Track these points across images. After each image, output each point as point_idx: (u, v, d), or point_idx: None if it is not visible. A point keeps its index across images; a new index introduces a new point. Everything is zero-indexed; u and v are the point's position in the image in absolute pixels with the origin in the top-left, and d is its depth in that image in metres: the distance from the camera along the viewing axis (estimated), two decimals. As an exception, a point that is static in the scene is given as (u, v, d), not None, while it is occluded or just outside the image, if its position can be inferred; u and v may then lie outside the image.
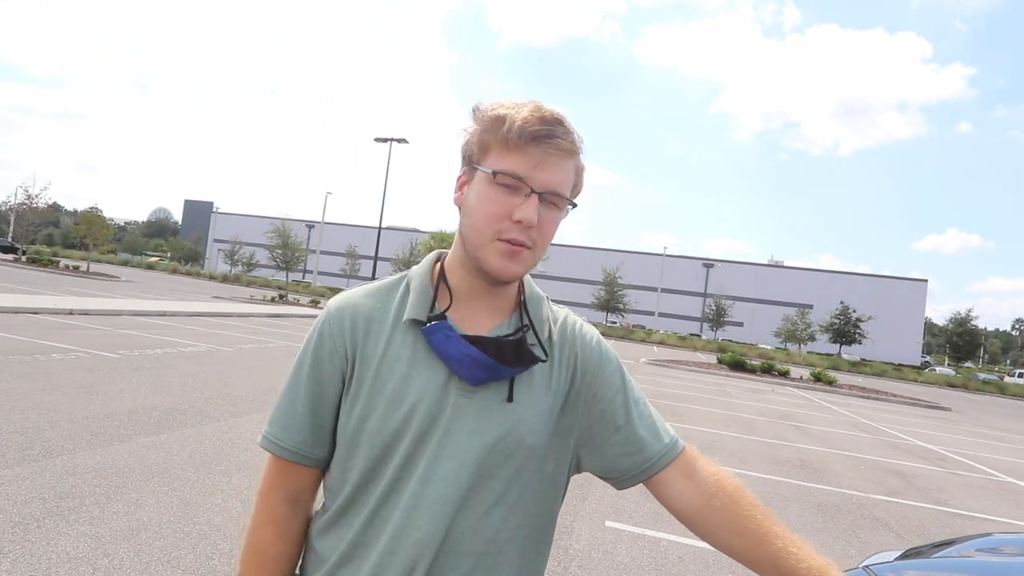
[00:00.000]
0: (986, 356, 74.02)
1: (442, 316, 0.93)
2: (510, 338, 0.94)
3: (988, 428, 15.84)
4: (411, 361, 0.92)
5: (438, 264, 1.01)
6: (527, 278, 1.02)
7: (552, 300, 1.08)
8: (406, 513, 0.89)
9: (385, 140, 32.89)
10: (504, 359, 0.90)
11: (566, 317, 1.04)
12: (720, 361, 24.18)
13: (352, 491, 0.93)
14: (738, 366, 23.14)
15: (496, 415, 0.91)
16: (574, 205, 0.96)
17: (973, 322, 51.77)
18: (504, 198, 0.88)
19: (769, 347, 46.99)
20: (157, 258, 72.74)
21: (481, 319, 0.96)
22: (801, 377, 23.36)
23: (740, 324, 63.16)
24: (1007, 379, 44.02)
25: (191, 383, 7.38)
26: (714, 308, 50.58)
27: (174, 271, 53.31)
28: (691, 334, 54.96)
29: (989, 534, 1.77)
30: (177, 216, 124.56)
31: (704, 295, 66.23)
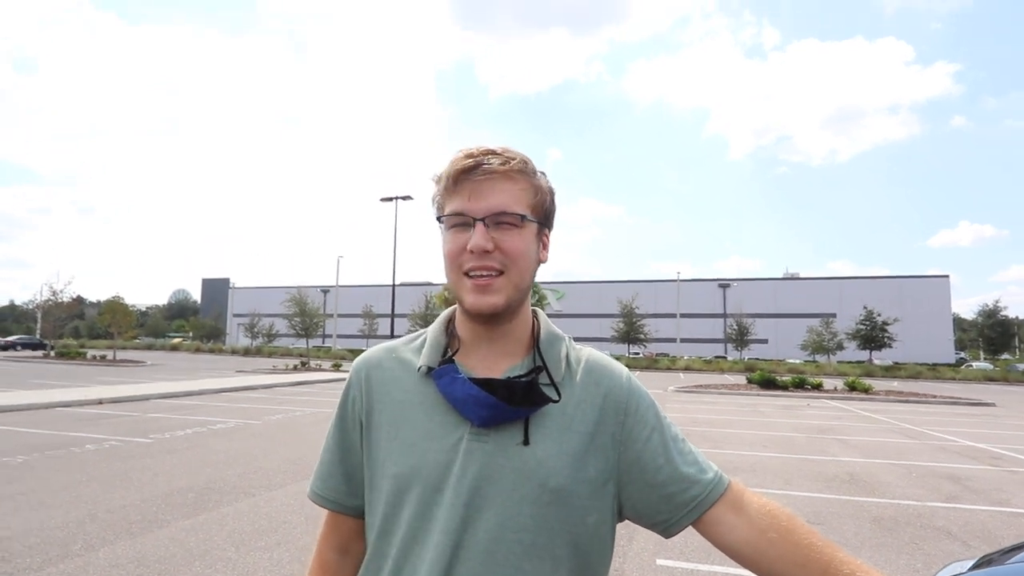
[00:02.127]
0: (1022, 346, 71.80)
1: (450, 361, 0.95)
2: (521, 378, 0.92)
3: (1037, 420, 15.26)
4: (426, 410, 0.93)
5: (451, 316, 1.04)
6: (543, 318, 1.02)
7: (574, 338, 1.06)
8: (429, 566, 0.87)
9: (390, 199, 33.54)
10: (513, 400, 0.89)
11: (591, 355, 1.02)
12: (750, 381, 23.72)
13: (376, 540, 0.94)
14: (769, 384, 22.67)
15: (512, 459, 0.89)
16: (538, 222, 0.95)
17: (1003, 312, 50.54)
18: (458, 237, 0.91)
19: (798, 361, 46.05)
20: (180, 339, 73.81)
21: (494, 362, 0.96)
22: (835, 388, 22.84)
23: (765, 341, 62.16)
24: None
25: (223, 460, 7.36)
26: (736, 327, 49.84)
27: (197, 350, 53.98)
28: (716, 356, 54.18)
29: (1063, 532, 1.69)
30: (196, 295, 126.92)
31: (724, 316, 65.47)
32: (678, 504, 0.93)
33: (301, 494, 5.82)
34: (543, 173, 0.97)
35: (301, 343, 46.67)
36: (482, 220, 0.90)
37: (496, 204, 0.91)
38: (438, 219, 0.96)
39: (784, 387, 22.38)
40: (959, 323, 69.86)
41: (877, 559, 4.48)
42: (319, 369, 29.93)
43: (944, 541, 4.88)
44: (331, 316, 58.80)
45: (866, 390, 21.52)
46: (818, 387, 22.45)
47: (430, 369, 0.95)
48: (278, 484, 6.24)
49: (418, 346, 1.01)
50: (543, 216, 0.97)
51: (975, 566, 1.62)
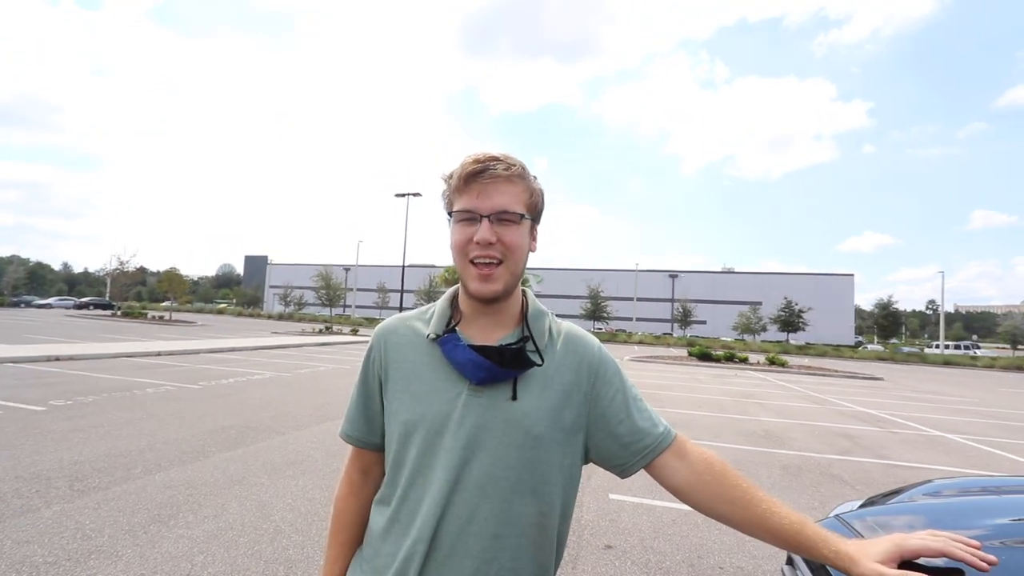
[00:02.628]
0: (907, 333, 73.32)
1: (453, 330, 0.96)
2: (512, 346, 0.93)
3: (914, 392, 15.63)
4: (433, 369, 0.95)
5: (455, 293, 1.05)
6: (531, 297, 1.03)
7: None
8: (432, 496, 0.89)
9: (403, 195, 33.16)
10: (504, 363, 0.90)
11: (570, 328, 1.03)
12: (690, 354, 23.95)
13: (390, 474, 0.96)
14: (705, 357, 22.94)
15: (502, 411, 0.90)
16: (532, 218, 0.95)
17: (894, 305, 51.44)
18: (465, 230, 0.92)
19: (729, 339, 46.51)
20: (225, 305, 72.80)
21: (489, 332, 0.97)
22: (759, 362, 23.13)
23: (704, 322, 62.75)
24: (927, 351, 43.57)
25: (260, 405, 7.33)
26: (681, 311, 50.33)
27: (239, 314, 53.25)
28: (664, 333, 54.61)
29: (930, 480, 1.74)
30: (240, 269, 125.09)
31: (672, 300, 65.95)
32: (633, 451, 0.95)
33: (324, 433, 5.82)
34: (535, 177, 0.97)
35: (326, 311, 46.31)
36: (487, 217, 0.91)
37: (500, 204, 0.91)
38: (449, 213, 0.96)
39: (718, 360, 22.66)
40: (859, 313, 70.90)
41: (784, 498, 4.59)
42: (340, 333, 29.78)
43: (837, 485, 5.01)
44: (351, 290, 58.31)
45: (783, 364, 21.83)
46: (744, 360, 22.75)
47: (437, 336, 0.96)
48: (304, 425, 6.23)
49: (427, 318, 1.02)
50: (535, 214, 0.97)
51: (862, 505, 1.67)
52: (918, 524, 1.32)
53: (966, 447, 7.28)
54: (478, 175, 0.91)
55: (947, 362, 33.03)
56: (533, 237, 1.00)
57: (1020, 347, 42.20)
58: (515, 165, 0.93)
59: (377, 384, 1.00)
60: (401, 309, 30.86)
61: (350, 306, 65.14)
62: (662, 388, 12.35)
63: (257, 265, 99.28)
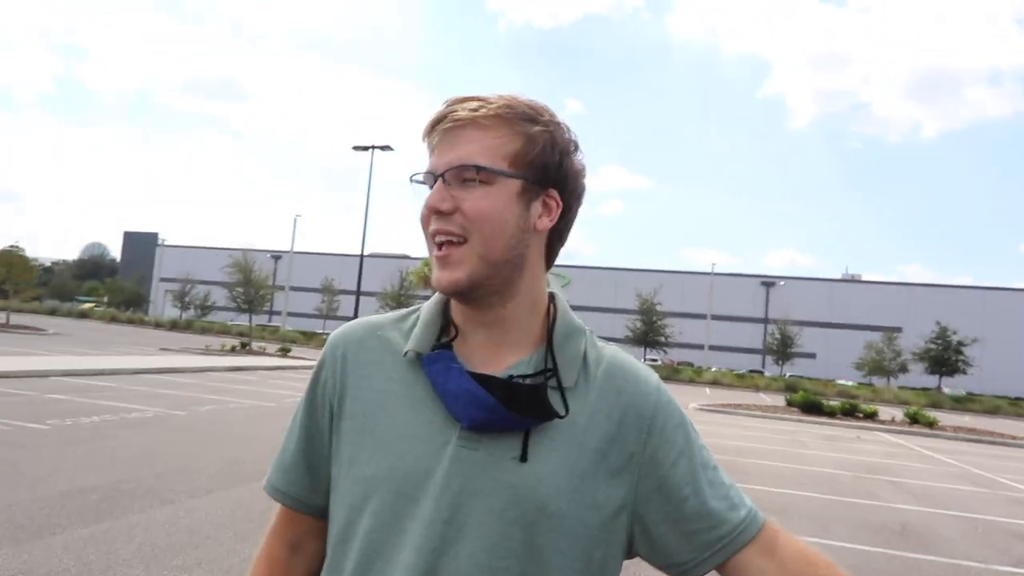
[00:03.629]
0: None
1: (447, 346, 0.97)
2: (526, 381, 0.93)
3: None
4: (411, 402, 0.95)
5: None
6: (562, 305, 1.03)
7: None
8: None
9: (365, 148, 33.43)
10: (513, 405, 0.90)
11: (615, 357, 1.02)
12: (790, 403, 23.93)
13: (333, 555, 0.97)
14: (813, 408, 22.86)
15: (507, 474, 0.90)
16: (527, 177, 0.95)
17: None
18: (424, 197, 0.96)
19: (850, 383, 46.45)
20: (92, 304, 73.64)
21: (493, 355, 0.98)
22: (893, 419, 23.04)
23: (812, 356, 62.55)
24: None
25: (138, 457, 7.38)
26: (778, 337, 50.17)
27: (112, 319, 53.92)
28: (751, 371, 54.47)
29: None
30: (115, 252, 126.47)
31: (765, 321, 65.84)
32: (702, 544, 0.95)
33: (231, 503, 5.85)
34: (551, 122, 0.97)
35: (243, 319, 46.54)
36: (441, 175, 0.93)
37: (455, 156, 0.93)
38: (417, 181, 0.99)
39: (831, 413, 22.56)
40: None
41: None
42: (262, 353, 30.01)
43: (1009, 613, 4.97)
44: (282, 288, 58.75)
45: (930, 424, 21.74)
46: (872, 416, 22.64)
47: (419, 355, 0.97)
48: (203, 490, 6.27)
49: (408, 326, 1.03)
50: (533, 170, 0.95)
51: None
52: None
53: None
54: (437, 125, 0.95)
55: None
56: (544, 207, 0.98)
57: None
58: (493, 103, 0.95)
59: (327, 418, 1.02)
60: (355, 318, 30.96)
61: (279, 312, 65.68)
62: (745, 453, 12.31)
63: (142, 247, 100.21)
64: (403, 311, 1.08)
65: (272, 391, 15.70)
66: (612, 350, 1.04)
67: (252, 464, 7.50)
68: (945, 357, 44.82)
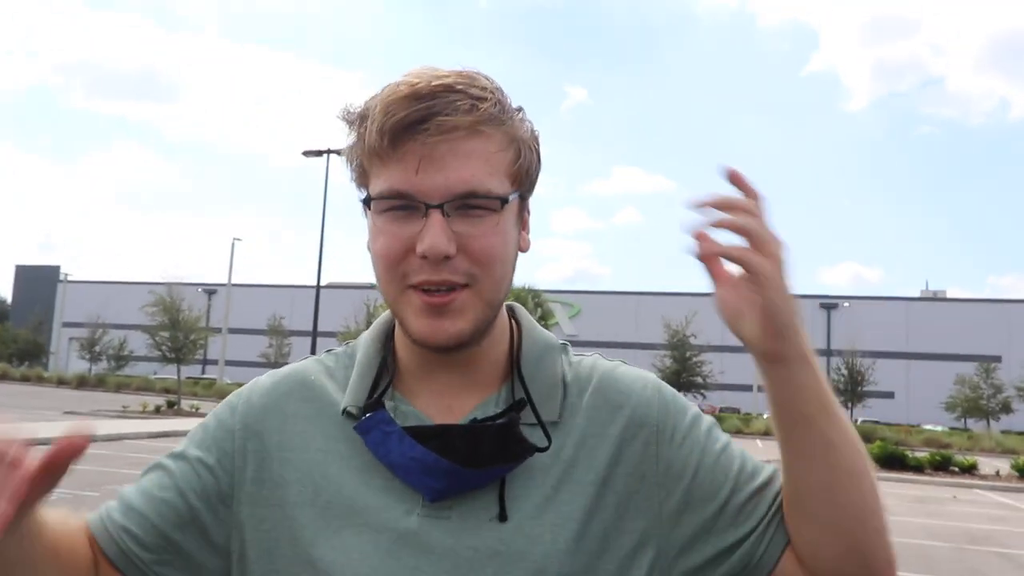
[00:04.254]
0: None
1: (378, 404, 0.97)
2: (494, 423, 0.95)
3: None
4: (358, 469, 0.96)
5: (389, 328, 1.08)
6: (525, 322, 1.06)
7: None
8: None
9: (319, 153, 33.57)
10: (480, 459, 0.91)
11: (602, 369, 1.05)
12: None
13: None
14: (895, 462, 22.99)
15: (487, 541, 0.91)
16: (520, 194, 0.97)
17: None
18: (398, 229, 0.93)
19: (940, 428, 46.43)
20: (-24, 358, 73.30)
21: (453, 398, 1.00)
22: (998, 472, 23.13)
23: (890, 395, 62.66)
24: None
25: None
26: (845, 372, 50.16)
27: (3, 376, 53.68)
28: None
29: None
30: (5, 291, 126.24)
31: (828, 353, 65.87)
32: (754, 515, 0.98)
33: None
34: (520, 108, 0.99)
35: (170, 372, 46.29)
36: (439, 207, 0.90)
37: (458, 179, 0.91)
38: (363, 201, 0.97)
39: (918, 468, 22.70)
40: None
41: None
42: (195, 413, 29.92)
43: None
44: (218, 331, 58.64)
45: (1046, 477, 21.76)
46: (971, 470, 22.74)
47: (357, 413, 0.98)
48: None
49: (345, 367, 1.06)
50: (527, 182, 0.99)
51: None
52: None
53: None
54: (415, 127, 0.89)
55: None
56: (524, 226, 1.01)
57: None
58: (486, 98, 0.93)
59: (213, 502, 1.00)
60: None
61: (215, 362, 65.48)
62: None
63: (40, 284, 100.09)
64: (332, 353, 1.10)
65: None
66: (593, 361, 1.07)
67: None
68: (1058, 391, 44.97)
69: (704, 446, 0.99)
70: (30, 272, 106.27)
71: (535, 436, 0.94)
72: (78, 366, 65.07)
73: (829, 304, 70.88)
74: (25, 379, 53.37)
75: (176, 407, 31.49)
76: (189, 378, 49.38)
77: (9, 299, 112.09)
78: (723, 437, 1.02)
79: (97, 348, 57.48)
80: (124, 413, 28.36)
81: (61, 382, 51.88)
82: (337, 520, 0.94)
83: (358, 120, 0.95)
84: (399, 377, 1.03)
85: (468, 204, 0.91)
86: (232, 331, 63.09)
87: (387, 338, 1.06)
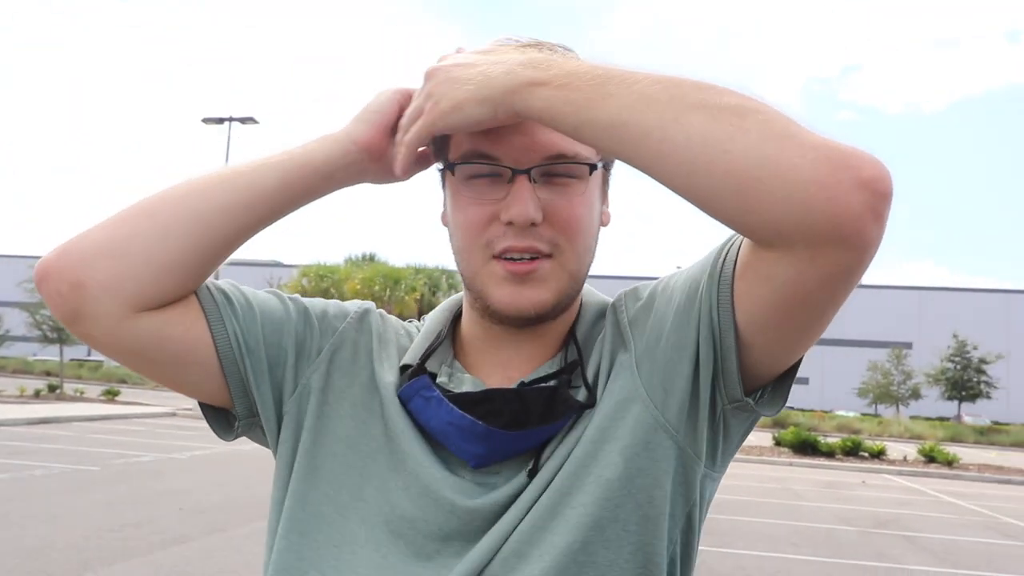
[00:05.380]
0: None
1: (421, 371, 1.00)
2: (537, 386, 0.97)
3: None
4: (416, 432, 0.99)
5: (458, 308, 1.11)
6: (589, 291, 1.08)
7: None
8: None
9: (220, 121, 32.77)
10: (528, 419, 0.93)
11: (618, 300, 1.06)
12: (779, 442, 24.65)
13: (291, 534, 0.99)
14: (807, 448, 23.66)
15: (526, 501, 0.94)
16: (605, 165, 0.99)
17: None
18: (482, 196, 0.94)
19: (851, 414, 48.09)
20: None
21: (515, 370, 1.02)
22: (905, 458, 24.01)
23: (805, 381, 64.66)
24: None
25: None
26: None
27: None
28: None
29: None
30: None
31: (744, 339, 67.65)
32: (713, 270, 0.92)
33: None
34: None
35: (51, 353, 44.65)
36: (527, 171, 0.91)
37: (550, 142, 0.92)
38: (445, 166, 0.99)
39: (829, 453, 23.41)
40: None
41: None
42: (79, 398, 28.93)
43: None
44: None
45: (950, 462, 22.77)
46: (879, 455, 23.60)
47: (403, 374, 1.03)
48: (-1, 591, 5.97)
49: (413, 336, 1.12)
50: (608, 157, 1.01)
51: None
52: None
53: None
54: None
55: None
56: (606, 199, 1.04)
57: None
58: (558, 51, 0.97)
59: (290, 377, 1.04)
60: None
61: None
62: (727, 509, 12.53)
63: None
64: (417, 323, 1.15)
65: (94, 449, 15.15)
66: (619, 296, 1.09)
67: (68, 553, 7.19)
68: (965, 379, 47.04)
69: (659, 301, 0.99)
70: None
71: (579, 393, 0.97)
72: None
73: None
74: None
75: (58, 391, 30.24)
76: (73, 360, 47.55)
77: None
78: (670, 297, 0.98)
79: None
80: (0, 395, 27.21)
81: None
82: (385, 465, 0.98)
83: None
84: (463, 350, 1.05)
85: (554, 171, 0.93)
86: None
87: (453, 316, 1.08)
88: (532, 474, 0.93)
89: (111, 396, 29.79)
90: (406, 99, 0.97)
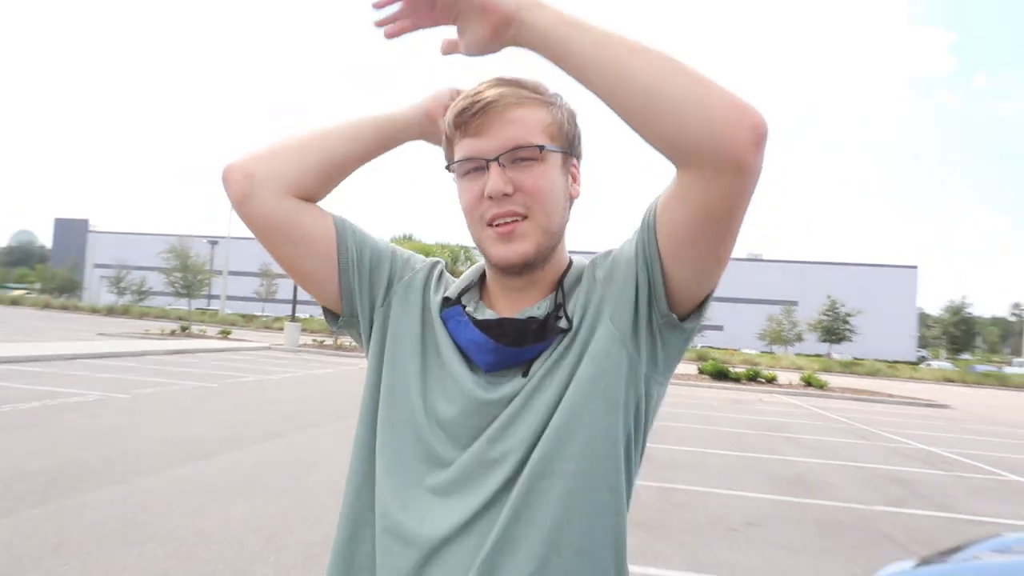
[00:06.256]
0: (985, 346, 77.94)
1: (457, 302, 1.04)
2: (535, 318, 1.00)
3: (990, 424, 16.77)
4: (452, 346, 1.03)
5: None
6: (579, 258, 1.10)
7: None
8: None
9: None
10: (525, 339, 0.97)
11: (594, 260, 1.07)
12: (701, 371, 24.77)
13: (368, 455, 1.04)
14: (721, 375, 23.86)
15: (515, 390, 0.97)
16: (564, 150, 1.00)
17: (968, 310, 54.57)
18: (473, 183, 0.98)
19: (754, 352, 48.36)
20: (23, 292, 69.31)
21: (519, 304, 1.04)
22: (790, 383, 24.20)
23: (720, 328, 64.81)
24: (1007, 370, 46.17)
25: (82, 439, 7.08)
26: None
27: (46, 305, 50.85)
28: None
29: (999, 535, 1.91)
30: (45, 239, 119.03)
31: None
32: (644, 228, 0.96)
33: (179, 481, 5.71)
34: (559, 96, 1.02)
35: (181, 305, 44.70)
36: (496, 159, 0.95)
37: (507, 138, 0.95)
38: (447, 168, 1.03)
39: (737, 379, 23.62)
40: (925, 319, 75.05)
41: (821, 562, 4.89)
42: (203, 336, 28.98)
43: (886, 546, 5.37)
44: (219, 273, 56.63)
45: (821, 386, 22.98)
46: (772, 381, 23.78)
47: (446, 301, 1.06)
48: (150, 469, 6.08)
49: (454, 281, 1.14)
50: (567, 143, 1.01)
51: (916, 566, 1.81)
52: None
53: (1049, 495, 7.94)
54: (476, 109, 0.95)
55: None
56: (573, 177, 1.04)
57: None
58: (526, 85, 0.98)
59: (381, 293, 1.09)
60: (295, 302, 30.25)
61: (217, 296, 63.42)
62: (663, 418, 12.71)
63: (73, 233, 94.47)
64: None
65: (215, 372, 15.22)
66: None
67: (197, 443, 7.30)
68: (834, 327, 47.39)
69: (617, 249, 1.03)
70: (66, 224, 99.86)
71: (564, 325, 0.99)
72: (107, 299, 62.01)
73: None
74: (64, 308, 50.61)
75: (187, 331, 30.37)
76: (197, 309, 47.58)
77: (50, 245, 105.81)
78: (623, 250, 1.01)
79: (122, 284, 54.78)
80: (146, 335, 27.27)
81: (93, 311, 49.36)
82: (432, 375, 1.03)
83: (450, 115, 1.00)
84: (486, 293, 1.08)
85: (517, 156, 0.95)
86: (231, 273, 61.06)
87: (481, 273, 1.10)
88: (525, 375, 0.97)
89: (225, 335, 29.85)
90: (456, 93, 1.06)
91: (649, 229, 0.94)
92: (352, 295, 1.08)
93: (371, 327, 1.09)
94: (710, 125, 0.79)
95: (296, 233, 1.04)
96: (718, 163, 0.81)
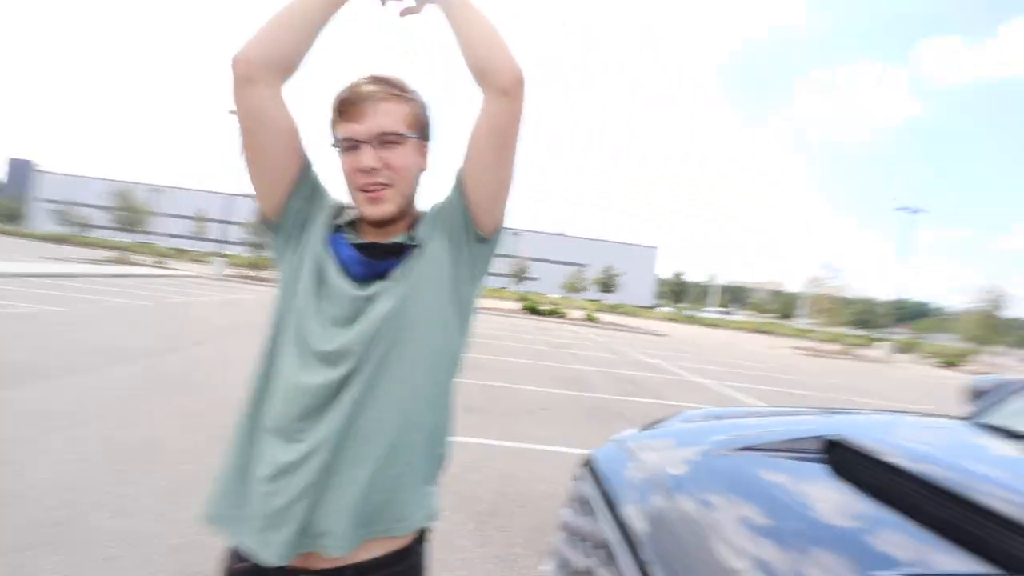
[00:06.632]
0: (692, 299, 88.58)
1: (338, 229, 0.99)
2: (395, 240, 0.98)
3: (688, 346, 19.02)
4: (331, 264, 0.97)
5: None
6: (432, 205, 1.07)
7: None
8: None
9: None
10: (388, 256, 0.96)
11: (436, 202, 1.05)
12: (522, 308, 25.70)
13: (286, 317, 0.97)
14: (534, 311, 24.88)
15: (375, 291, 0.95)
16: (418, 136, 0.98)
17: (683, 276, 61.50)
18: (350, 158, 0.94)
19: (557, 296, 50.94)
20: (-35, 217, 55.48)
21: (385, 235, 1.00)
22: (578, 318, 25.75)
23: (537, 279, 67.33)
24: (701, 313, 53.37)
25: (11, 339, 5.86)
26: (518, 268, 53.15)
27: (-10, 231, 41.20)
28: (501, 287, 57.36)
29: (683, 411, 2.16)
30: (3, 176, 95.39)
31: (512, 257, 69.32)
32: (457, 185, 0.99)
33: (113, 380, 4.92)
34: (416, 91, 0.99)
35: (121, 237, 38.14)
36: (369, 142, 0.91)
37: (377, 125, 0.92)
38: (332, 145, 0.96)
39: (544, 314, 24.75)
40: (659, 281, 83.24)
41: (584, 432, 5.32)
42: (141, 264, 25.09)
43: (621, 422, 5.96)
44: (158, 214, 48.90)
45: (595, 321, 24.81)
46: (565, 316, 25.22)
47: (336, 228, 1.00)
48: (84, 367, 5.18)
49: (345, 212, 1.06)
50: (421, 131, 0.99)
51: (640, 431, 2.00)
52: (672, 443, 1.64)
53: (714, 389, 9.21)
54: (352, 99, 0.92)
55: (715, 324, 40.95)
56: (423, 156, 1.01)
57: (764, 314, 54.17)
58: (392, 83, 0.94)
59: (310, 220, 0.99)
60: (223, 242, 26.96)
61: (154, 232, 54.92)
62: (493, 337, 13.07)
63: (23, 172, 76.76)
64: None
65: (149, 292, 13.21)
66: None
67: (131, 350, 6.29)
68: (607, 282, 51.18)
69: (450, 195, 1.02)
70: (21, 164, 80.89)
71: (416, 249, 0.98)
72: (51, 229, 51.39)
73: (515, 232, 73.85)
74: (10, 235, 41.30)
75: (126, 260, 26.07)
76: (137, 242, 40.98)
77: (5, 180, 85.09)
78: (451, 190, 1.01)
79: (69, 217, 45.64)
80: (90, 260, 23.01)
81: (42, 239, 40.75)
82: (322, 285, 0.95)
83: (334, 102, 0.94)
84: (360, 226, 1.01)
85: (385, 140, 0.92)
86: (170, 215, 53.10)
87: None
88: (383, 278, 0.95)
89: (160, 263, 26.06)
90: None
91: (462, 160, 0.96)
92: (290, 211, 0.98)
93: (292, 240, 1.00)
94: (499, 64, 0.87)
95: (275, 125, 0.92)
96: (496, 86, 0.87)
